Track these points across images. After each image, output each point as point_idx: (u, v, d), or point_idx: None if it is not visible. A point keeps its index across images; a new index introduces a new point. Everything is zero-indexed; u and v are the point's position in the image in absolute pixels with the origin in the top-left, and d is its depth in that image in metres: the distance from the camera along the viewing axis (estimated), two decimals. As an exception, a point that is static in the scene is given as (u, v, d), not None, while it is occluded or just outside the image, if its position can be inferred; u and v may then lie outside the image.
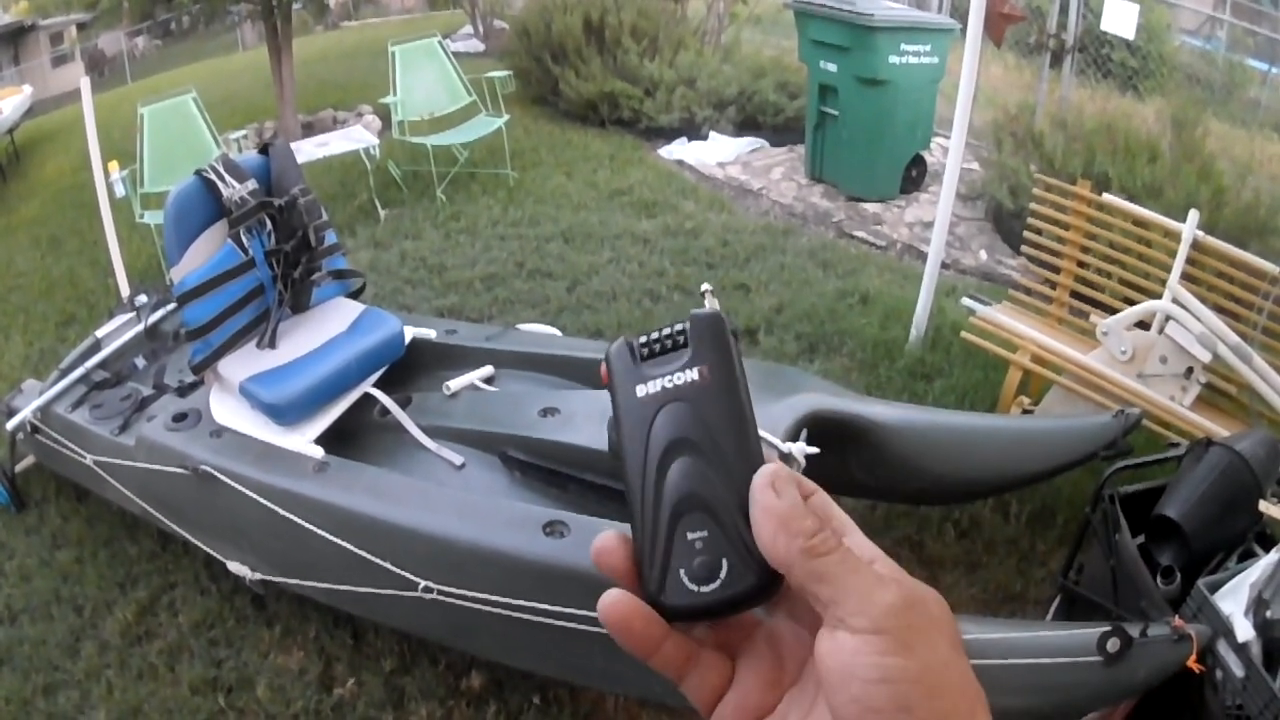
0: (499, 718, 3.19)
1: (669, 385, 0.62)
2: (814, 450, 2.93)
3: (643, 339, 0.64)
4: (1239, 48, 10.64)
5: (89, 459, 3.83)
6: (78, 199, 8.71)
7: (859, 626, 0.51)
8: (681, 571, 0.58)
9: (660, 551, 0.58)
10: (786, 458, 2.89)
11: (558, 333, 4.36)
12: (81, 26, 24.68)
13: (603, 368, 0.64)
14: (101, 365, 4.23)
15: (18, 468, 4.47)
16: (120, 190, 6.21)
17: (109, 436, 3.78)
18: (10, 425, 4.16)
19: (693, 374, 0.62)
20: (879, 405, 3.49)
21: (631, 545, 0.60)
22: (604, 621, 0.57)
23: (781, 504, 0.56)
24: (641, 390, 0.62)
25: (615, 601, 0.58)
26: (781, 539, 0.55)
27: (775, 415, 3.04)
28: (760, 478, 0.58)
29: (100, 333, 4.42)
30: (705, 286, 0.73)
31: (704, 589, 0.57)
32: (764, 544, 0.56)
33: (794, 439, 2.97)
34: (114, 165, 6.00)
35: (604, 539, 0.60)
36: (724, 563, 0.57)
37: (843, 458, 3.34)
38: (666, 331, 0.64)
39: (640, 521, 0.60)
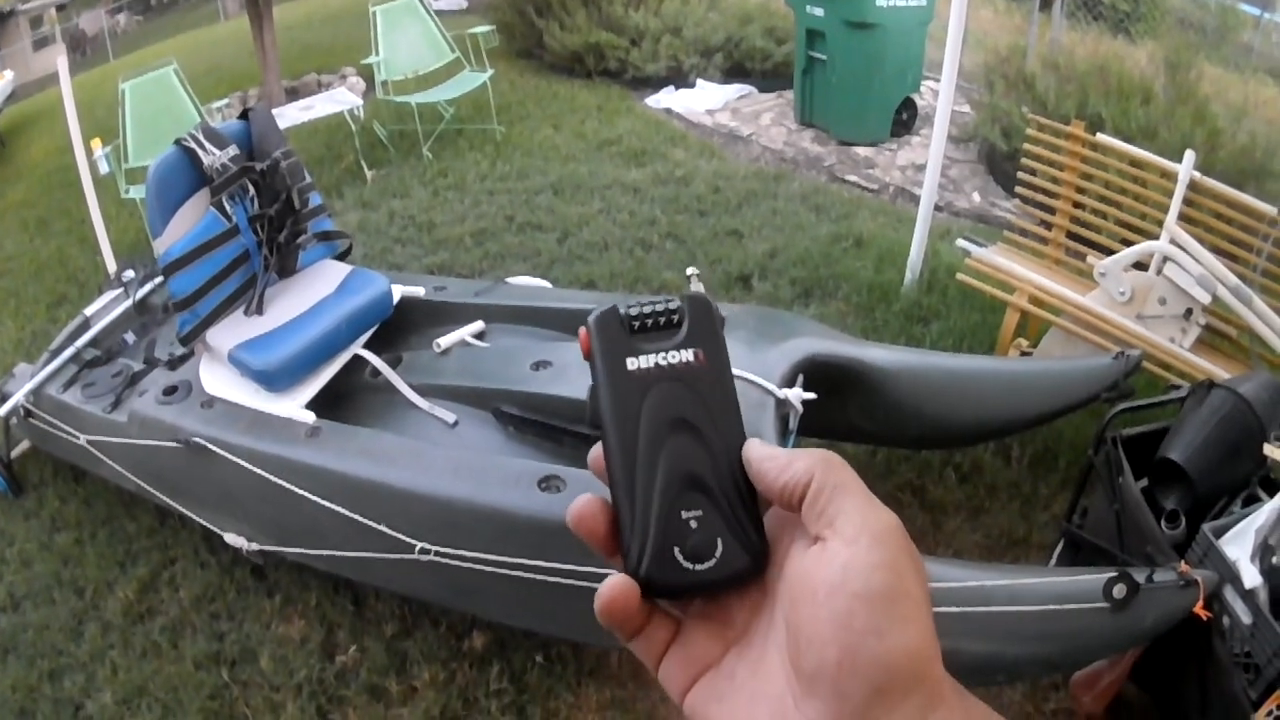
0: (502, 678, 3.19)
1: (663, 363, 0.61)
2: (811, 396, 2.91)
3: (633, 310, 0.63)
4: (1231, -9, 10.57)
5: (83, 439, 3.80)
6: (64, 180, 8.64)
7: (855, 536, 0.52)
8: (676, 549, 0.58)
9: (655, 529, 0.58)
10: (783, 403, 2.87)
11: (548, 285, 4.32)
12: (61, 8, 24.54)
13: (583, 333, 0.63)
14: (92, 343, 4.19)
15: (13, 452, 4.45)
16: (104, 167, 6.17)
17: (101, 415, 3.76)
18: (3, 411, 4.14)
19: (688, 355, 0.62)
20: (876, 349, 3.46)
21: (611, 512, 0.60)
22: (606, 611, 0.57)
23: (779, 451, 0.58)
24: (633, 364, 0.61)
25: (621, 592, 0.57)
26: (799, 462, 0.56)
27: (771, 361, 3.02)
28: (750, 445, 0.60)
29: (89, 311, 4.39)
30: (691, 270, 0.71)
31: (699, 567, 0.57)
32: (782, 476, 0.56)
33: (790, 384, 2.95)
34: (97, 142, 5.96)
35: (586, 503, 0.60)
36: (719, 542, 0.58)
37: (841, 403, 3.32)
38: (659, 307, 0.63)
39: (629, 497, 0.59)
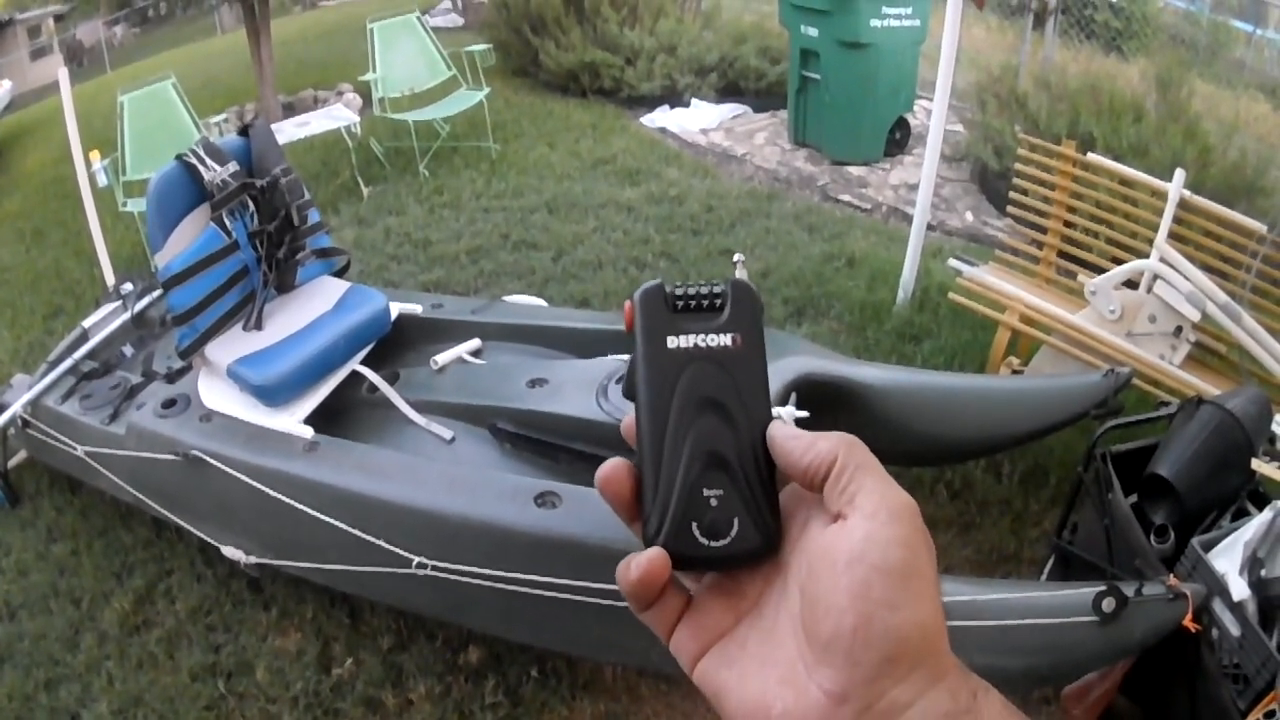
0: (497, 691, 3.20)
1: (701, 344, 0.63)
2: (804, 414, 2.93)
3: (679, 290, 0.65)
4: (1223, 8, 10.61)
5: (80, 450, 3.81)
6: (61, 191, 8.67)
7: (875, 514, 0.55)
8: (694, 525, 0.60)
9: (677, 503, 0.60)
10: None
11: (544, 303, 4.35)
12: (59, 18, 24.53)
13: (628, 305, 0.65)
14: (90, 355, 4.20)
15: (10, 463, 4.44)
16: (103, 179, 6.18)
17: (99, 426, 3.77)
18: (1, 421, 4.14)
19: (726, 339, 0.64)
20: (868, 367, 3.48)
21: (637, 478, 0.62)
22: (641, 583, 0.59)
23: (802, 432, 0.61)
24: (673, 342, 0.63)
25: (657, 565, 0.59)
26: (823, 443, 0.59)
27: (764, 379, 3.03)
28: (775, 426, 0.62)
29: (87, 323, 4.39)
30: (738, 257, 0.74)
31: (713, 544, 0.60)
32: (807, 456, 0.58)
33: (783, 403, 2.97)
34: (95, 154, 5.96)
35: (615, 466, 0.63)
36: (735, 522, 0.60)
37: (833, 420, 3.33)
38: (704, 290, 0.65)
39: (655, 468, 0.61)
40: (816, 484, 0.58)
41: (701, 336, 0.63)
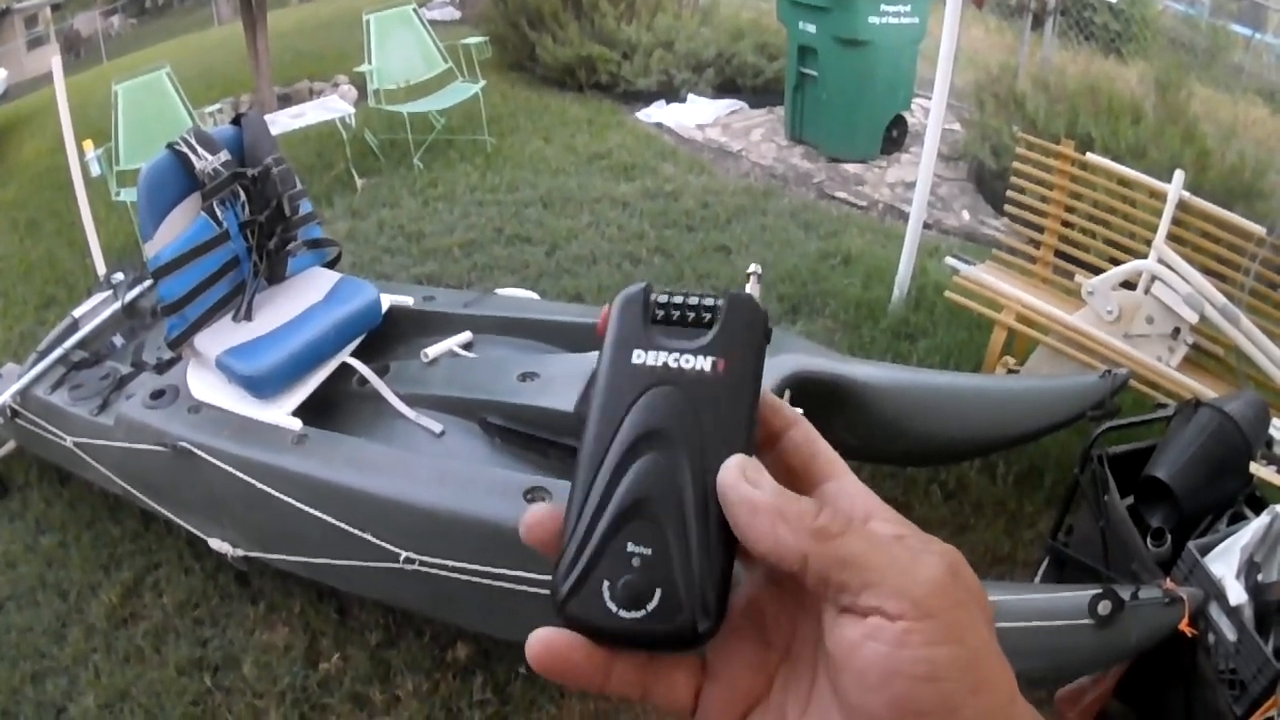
0: (485, 689, 3.19)
1: (672, 365, 0.52)
2: (798, 411, 2.90)
3: (664, 296, 0.55)
4: (1222, 12, 10.63)
5: (69, 441, 3.78)
6: (55, 181, 8.59)
7: (899, 612, 0.44)
8: (605, 584, 0.48)
9: (588, 552, 0.49)
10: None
11: (536, 297, 4.32)
12: (56, 8, 24.49)
13: (604, 310, 0.56)
14: (80, 345, 4.16)
15: (-1, 453, 4.43)
16: (96, 169, 6.14)
17: (88, 417, 3.74)
18: (-11, 411, 4.11)
19: (705, 362, 0.52)
20: (863, 365, 3.47)
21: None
22: (537, 668, 0.49)
23: (764, 494, 0.48)
24: (639, 357, 0.53)
25: (546, 642, 0.49)
26: (784, 529, 0.46)
27: (758, 377, 3.02)
28: (728, 473, 0.49)
29: (78, 312, 4.35)
30: (753, 268, 0.62)
31: (623, 614, 0.48)
32: (764, 543, 0.47)
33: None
34: (89, 144, 5.93)
35: (537, 511, 0.52)
36: (657, 592, 0.48)
37: (827, 419, 3.31)
38: (695, 300, 0.54)
39: (579, 508, 0.50)
40: (795, 577, 0.47)
41: (674, 355, 0.53)
